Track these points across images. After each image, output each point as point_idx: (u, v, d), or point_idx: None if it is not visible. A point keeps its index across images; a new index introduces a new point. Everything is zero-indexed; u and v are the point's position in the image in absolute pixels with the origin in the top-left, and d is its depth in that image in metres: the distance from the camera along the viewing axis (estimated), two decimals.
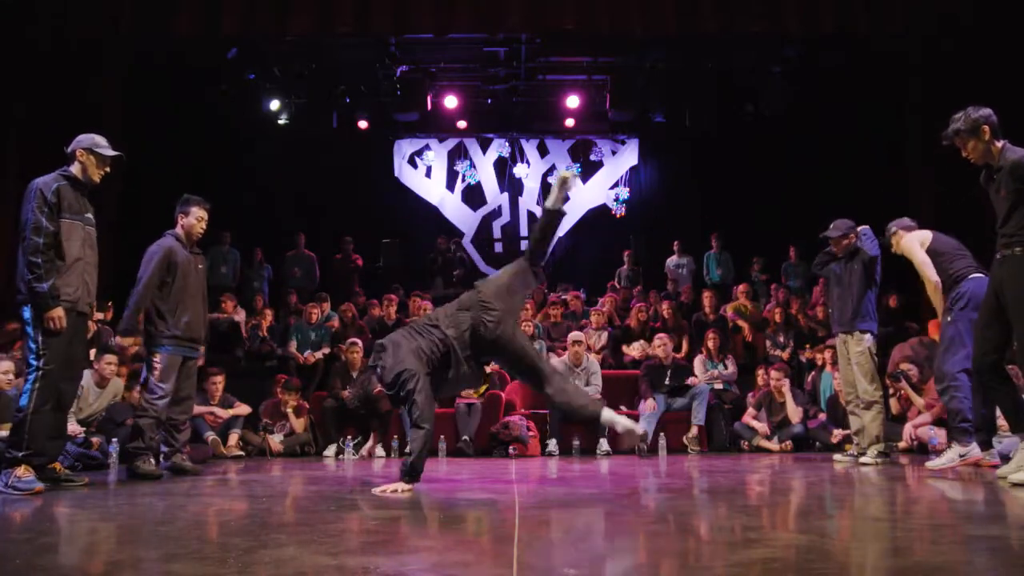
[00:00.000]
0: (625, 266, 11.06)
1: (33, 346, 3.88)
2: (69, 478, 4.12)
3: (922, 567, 1.89)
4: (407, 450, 3.71)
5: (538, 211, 12.29)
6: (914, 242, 4.82)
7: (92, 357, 6.01)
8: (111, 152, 4.19)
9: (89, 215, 4.14)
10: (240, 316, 8.60)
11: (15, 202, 4.47)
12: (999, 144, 3.82)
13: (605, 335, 8.30)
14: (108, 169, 4.22)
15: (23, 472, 3.77)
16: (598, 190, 12.32)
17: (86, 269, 4.07)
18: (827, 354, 7.47)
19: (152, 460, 4.64)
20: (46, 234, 3.87)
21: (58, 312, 3.86)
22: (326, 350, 7.92)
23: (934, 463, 4.50)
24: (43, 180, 3.98)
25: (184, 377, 4.82)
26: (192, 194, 4.93)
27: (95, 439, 5.45)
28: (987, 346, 3.87)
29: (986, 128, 3.80)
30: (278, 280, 10.34)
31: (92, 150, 4.12)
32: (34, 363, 3.87)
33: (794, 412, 6.97)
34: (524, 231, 12.34)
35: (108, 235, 8.29)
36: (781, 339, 8.40)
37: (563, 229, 12.31)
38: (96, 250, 4.18)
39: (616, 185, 12.31)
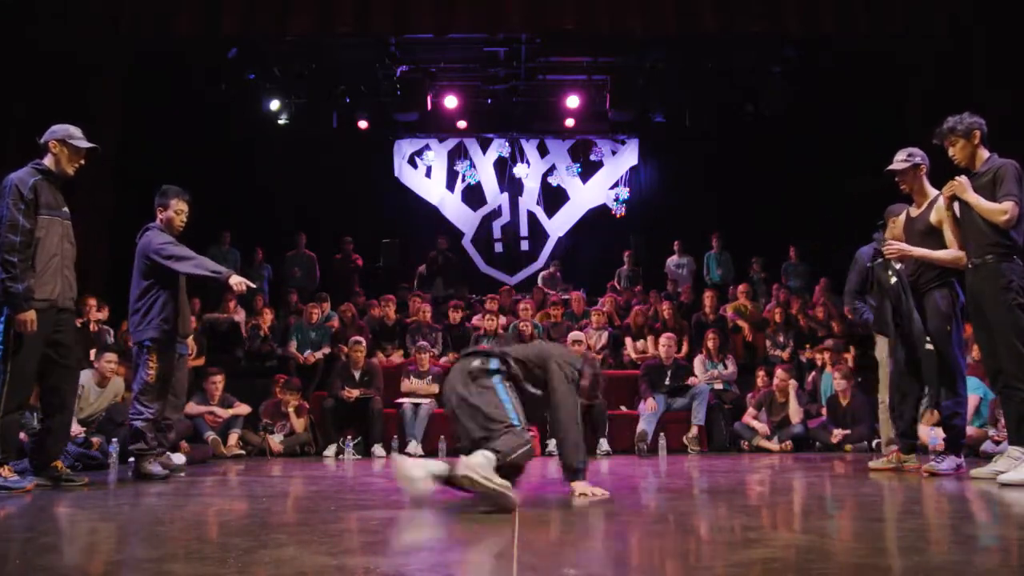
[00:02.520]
0: (625, 266, 11.06)
1: (2, 348, 3.78)
2: (69, 478, 4.10)
3: (922, 567, 1.89)
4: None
5: (538, 211, 12.29)
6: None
7: (92, 357, 6.02)
8: (86, 144, 4.06)
9: (65, 208, 4.03)
10: (240, 316, 8.59)
11: None
12: (985, 152, 3.96)
13: (605, 335, 8.29)
14: (83, 161, 4.09)
15: (7, 472, 3.78)
16: (598, 190, 12.30)
17: (65, 264, 3.98)
18: (827, 354, 7.47)
19: (156, 461, 4.60)
20: (23, 232, 3.76)
21: (30, 316, 3.75)
22: (326, 350, 7.92)
23: (933, 466, 4.46)
24: (18, 175, 3.86)
25: (176, 373, 4.78)
26: (187, 190, 4.73)
27: (95, 439, 5.45)
28: (991, 349, 3.90)
29: (977, 133, 3.95)
30: (278, 280, 10.33)
31: (66, 141, 4.00)
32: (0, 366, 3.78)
33: (796, 412, 6.97)
34: (524, 231, 12.33)
35: (106, 236, 8.37)
36: (781, 339, 8.39)
37: (563, 229, 12.34)
38: (74, 244, 4.08)
39: (616, 185, 12.28)
